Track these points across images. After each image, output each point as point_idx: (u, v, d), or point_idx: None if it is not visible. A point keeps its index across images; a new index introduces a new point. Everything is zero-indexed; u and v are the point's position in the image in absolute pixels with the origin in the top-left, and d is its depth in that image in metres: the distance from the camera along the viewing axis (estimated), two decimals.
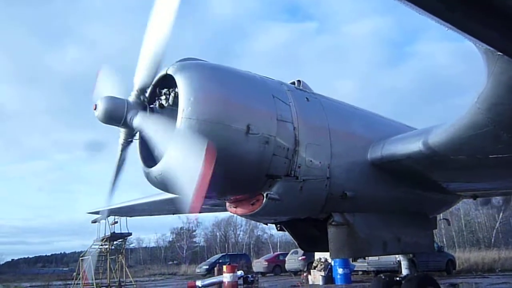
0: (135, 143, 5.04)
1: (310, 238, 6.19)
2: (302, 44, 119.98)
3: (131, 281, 23.19)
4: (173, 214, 13.43)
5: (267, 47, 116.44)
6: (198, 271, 36.43)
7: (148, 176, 4.75)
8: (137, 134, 4.91)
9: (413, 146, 5.24)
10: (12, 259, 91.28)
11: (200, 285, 20.09)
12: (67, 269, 60.65)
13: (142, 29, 4.53)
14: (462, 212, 50.25)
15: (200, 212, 12.79)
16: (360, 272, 23.31)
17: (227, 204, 5.52)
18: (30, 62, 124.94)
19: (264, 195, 4.91)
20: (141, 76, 4.63)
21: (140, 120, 4.58)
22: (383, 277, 7.53)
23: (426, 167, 5.61)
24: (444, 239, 47.45)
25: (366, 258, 19.79)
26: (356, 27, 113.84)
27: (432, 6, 2.06)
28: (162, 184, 4.70)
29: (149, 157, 4.79)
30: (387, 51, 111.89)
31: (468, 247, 40.80)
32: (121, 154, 4.99)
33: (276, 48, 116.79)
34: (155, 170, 4.53)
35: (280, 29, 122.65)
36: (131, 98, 4.69)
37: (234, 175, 4.64)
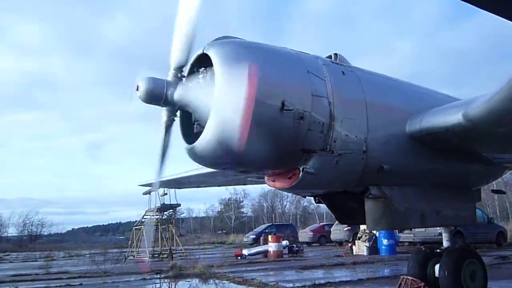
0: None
1: (348, 210, 6.26)
2: (359, 1, 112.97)
3: (181, 249, 24.17)
4: (219, 186, 13.84)
5: (321, 8, 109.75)
6: (245, 240, 37.45)
7: (189, 153, 4.94)
8: (178, 113, 5.09)
9: (453, 118, 5.14)
10: (73, 228, 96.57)
11: (246, 254, 20.75)
12: (123, 237, 63.65)
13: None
14: None
15: (245, 184, 13.13)
16: (406, 243, 23.11)
17: (265, 178, 5.68)
18: (79, 31, 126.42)
19: (300, 169, 5.01)
20: (176, 55, 4.73)
21: (180, 91, 4.71)
22: (423, 248, 7.52)
23: (467, 139, 5.49)
24: (498, 211, 45.82)
25: (412, 229, 19.60)
26: None
27: None
28: (203, 159, 4.91)
29: (190, 134, 5.01)
30: (451, 6, 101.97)
31: None
32: (165, 134, 5.07)
33: (330, 8, 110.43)
34: (196, 146, 4.71)
35: None
36: (169, 77, 4.83)
37: (270, 150, 4.73)
